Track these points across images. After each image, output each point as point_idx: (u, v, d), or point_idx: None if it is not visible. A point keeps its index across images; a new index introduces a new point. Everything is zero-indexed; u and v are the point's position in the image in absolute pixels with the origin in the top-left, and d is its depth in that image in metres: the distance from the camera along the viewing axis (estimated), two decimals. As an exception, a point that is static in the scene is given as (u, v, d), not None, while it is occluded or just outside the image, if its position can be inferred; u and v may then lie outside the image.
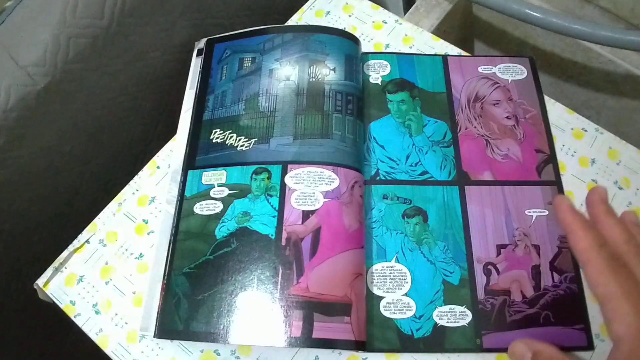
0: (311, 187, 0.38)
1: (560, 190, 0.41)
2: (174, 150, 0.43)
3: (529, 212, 0.40)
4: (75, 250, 0.40)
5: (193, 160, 0.42)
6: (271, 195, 0.38)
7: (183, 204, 0.40)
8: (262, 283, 0.36)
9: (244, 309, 0.35)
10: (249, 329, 0.35)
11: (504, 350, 0.36)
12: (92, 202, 0.51)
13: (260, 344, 0.35)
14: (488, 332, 0.36)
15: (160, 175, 0.43)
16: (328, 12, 0.50)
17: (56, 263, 0.40)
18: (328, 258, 0.36)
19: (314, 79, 0.42)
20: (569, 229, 0.32)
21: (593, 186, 0.41)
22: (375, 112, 0.44)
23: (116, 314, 0.38)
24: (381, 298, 0.37)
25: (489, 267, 0.38)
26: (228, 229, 0.38)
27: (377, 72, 0.46)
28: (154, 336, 0.36)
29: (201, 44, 0.48)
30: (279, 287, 0.35)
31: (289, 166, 0.39)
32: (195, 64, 0.47)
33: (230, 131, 0.42)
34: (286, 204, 0.38)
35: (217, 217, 0.39)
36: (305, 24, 0.50)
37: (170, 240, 0.39)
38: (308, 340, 0.34)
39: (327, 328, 0.34)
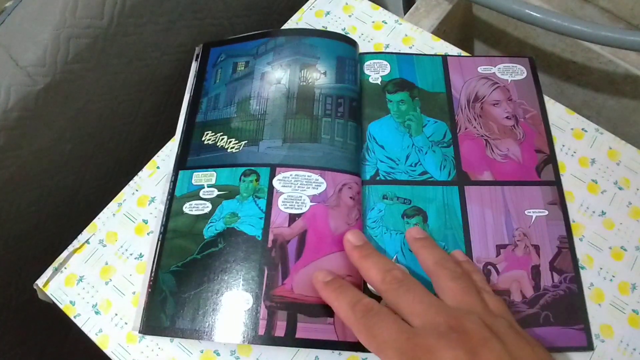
0: (298, 190, 0.39)
1: (560, 190, 0.41)
2: (173, 150, 0.43)
3: (529, 212, 0.40)
4: (75, 251, 0.40)
5: (184, 161, 0.42)
6: (259, 197, 0.39)
7: (173, 203, 0.40)
8: (247, 283, 0.36)
9: (229, 307, 0.35)
10: (233, 328, 0.35)
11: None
12: (92, 202, 0.51)
13: (244, 343, 0.35)
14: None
15: (160, 176, 0.43)
16: (328, 13, 0.50)
17: (56, 263, 0.40)
18: (313, 261, 0.37)
19: (304, 83, 0.43)
20: (332, 305, 0.32)
21: (592, 186, 0.41)
22: (375, 112, 0.44)
23: (116, 314, 0.38)
24: (381, 298, 0.37)
25: (489, 267, 0.38)
26: (216, 229, 0.38)
27: (377, 72, 0.46)
28: (139, 332, 0.36)
29: (199, 49, 0.48)
30: (264, 287, 0.36)
31: (277, 169, 0.39)
32: (193, 68, 0.47)
33: (221, 133, 0.42)
34: (273, 207, 0.38)
35: (206, 217, 0.39)
36: (304, 24, 0.50)
37: (158, 238, 0.39)
38: (290, 340, 0.34)
39: (310, 329, 0.35)
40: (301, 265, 0.36)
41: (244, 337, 0.35)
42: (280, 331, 0.34)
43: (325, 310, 0.35)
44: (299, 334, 0.34)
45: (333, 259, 0.37)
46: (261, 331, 0.34)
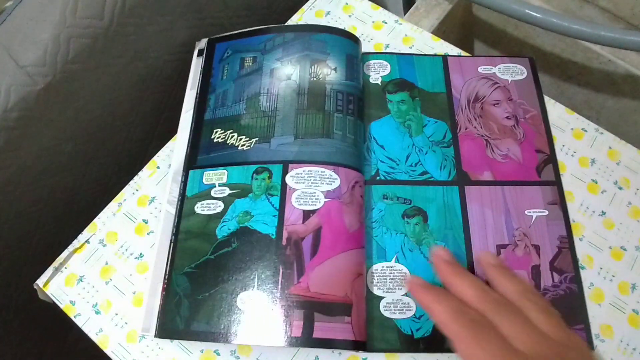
0: (312, 186, 0.38)
1: (560, 190, 0.41)
2: (175, 150, 0.43)
3: (529, 212, 0.40)
4: (75, 250, 0.40)
5: (194, 160, 0.42)
6: (272, 195, 0.38)
7: (184, 203, 0.40)
8: (262, 283, 0.36)
9: (244, 308, 0.35)
10: (249, 329, 0.35)
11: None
12: (92, 202, 0.51)
13: (261, 344, 0.35)
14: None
15: (160, 175, 0.43)
16: (328, 12, 0.50)
17: (56, 263, 0.40)
18: (329, 258, 0.36)
19: (315, 79, 0.42)
20: (426, 307, 0.31)
21: (592, 186, 0.41)
22: (375, 112, 0.44)
23: (116, 314, 0.38)
24: (381, 298, 0.37)
25: (489, 267, 0.38)
26: (229, 229, 0.38)
27: (377, 72, 0.46)
28: (155, 336, 0.36)
29: (202, 44, 0.48)
30: (279, 286, 0.35)
31: (290, 166, 0.39)
32: (196, 64, 0.47)
33: (231, 131, 0.42)
34: (287, 204, 0.38)
35: (218, 216, 0.39)
36: (306, 23, 0.50)
37: (171, 240, 0.39)
38: (308, 340, 0.34)
39: (327, 328, 0.34)
40: (317, 263, 0.36)
41: (260, 339, 0.34)
42: (297, 331, 0.34)
43: (342, 309, 0.35)
44: (316, 334, 0.34)
45: (349, 257, 0.36)
46: (278, 332, 0.34)
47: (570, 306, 0.37)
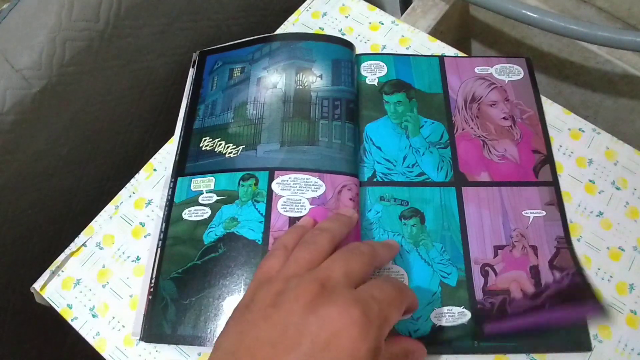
0: (297, 193, 0.39)
1: (558, 190, 0.41)
2: (170, 153, 0.43)
3: (526, 213, 0.40)
4: (72, 254, 0.40)
5: (183, 167, 0.42)
6: (258, 202, 0.39)
7: (172, 209, 0.40)
8: (248, 288, 0.36)
9: (230, 313, 0.35)
10: None
11: (501, 352, 0.36)
12: (88, 205, 0.50)
13: None
14: (486, 331, 0.36)
15: (157, 178, 0.43)
16: (325, 14, 0.50)
17: (53, 266, 0.40)
18: None
19: (300, 87, 0.43)
20: None
21: (590, 186, 0.41)
22: (372, 114, 0.44)
23: (113, 317, 0.38)
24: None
25: (487, 268, 0.38)
26: (216, 235, 0.38)
27: (374, 74, 0.46)
28: (140, 339, 0.36)
29: (195, 56, 0.48)
30: None
31: (276, 173, 0.40)
32: (191, 75, 0.47)
33: (219, 139, 0.42)
34: (273, 210, 0.38)
35: (205, 222, 0.39)
36: (301, 25, 0.50)
37: (158, 245, 0.39)
38: None
39: None
40: None
41: None
42: None
43: None
44: None
45: None
46: None
47: (578, 298, 0.37)
